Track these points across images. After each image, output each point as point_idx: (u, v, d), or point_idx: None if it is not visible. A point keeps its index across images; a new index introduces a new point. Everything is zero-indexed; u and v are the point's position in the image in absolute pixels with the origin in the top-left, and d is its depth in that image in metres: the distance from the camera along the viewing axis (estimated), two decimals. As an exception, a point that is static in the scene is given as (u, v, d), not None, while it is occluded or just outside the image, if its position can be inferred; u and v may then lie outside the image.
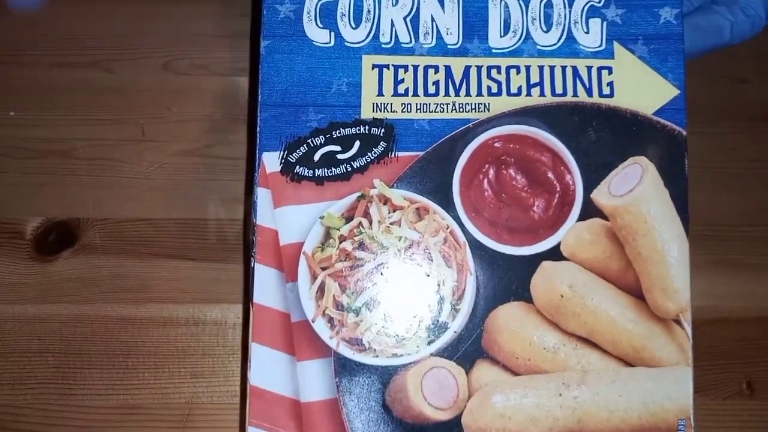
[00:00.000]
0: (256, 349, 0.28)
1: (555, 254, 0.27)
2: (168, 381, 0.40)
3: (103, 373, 0.40)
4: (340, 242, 0.24)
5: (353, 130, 0.28)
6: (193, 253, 0.41)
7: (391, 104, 0.28)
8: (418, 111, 0.28)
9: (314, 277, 0.26)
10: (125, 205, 0.42)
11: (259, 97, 0.31)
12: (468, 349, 0.25)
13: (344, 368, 0.26)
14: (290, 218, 0.29)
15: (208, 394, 0.40)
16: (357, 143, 0.28)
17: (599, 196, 0.27)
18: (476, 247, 0.26)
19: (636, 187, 0.26)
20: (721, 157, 0.44)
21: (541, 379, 0.26)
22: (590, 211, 0.27)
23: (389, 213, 0.25)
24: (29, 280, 0.41)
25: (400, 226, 0.24)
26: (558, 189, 0.26)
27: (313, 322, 0.27)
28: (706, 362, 0.41)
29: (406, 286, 0.25)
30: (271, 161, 0.30)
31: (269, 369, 0.28)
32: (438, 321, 0.24)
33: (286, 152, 0.30)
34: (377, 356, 0.24)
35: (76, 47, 0.45)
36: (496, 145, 0.26)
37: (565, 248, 0.27)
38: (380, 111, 0.28)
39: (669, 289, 0.27)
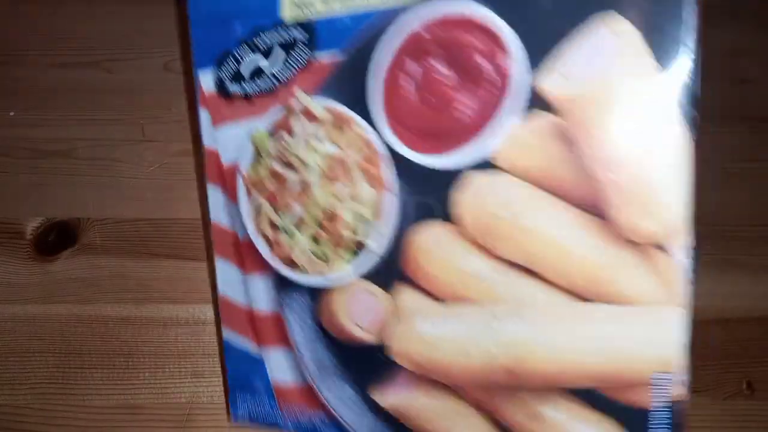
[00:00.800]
0: (218, 262, 0.30)
1: (488, 165, 0.22)
2: (168, 381, 0.40)
3: (104, 373, 0.40)
4: (270, 160, 0.23)
5: (273, 36, 0.25)
6: (193, 253, 0.41)
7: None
8: (340, 3, 0.23)
9: (251, 196, 0.26)
10: (125, 205, 0.42)
11: (188, 12, 0.30)
12: (391, 272, 0.22)
13: (283, 285, 0.26)
14: (227, 138, 0.28)
15: (208, 394, 0.40)
16: (278, 50, 0.25)
17: (548, 82, 0.20)
18: (398, 160, 0.22)
19: (601, 65, 0.20)
20: (721, 157, 0.44)
21: (470, 309, 0.22)
22: (538, 105, 0.21)
23: (311, 127, 0.22)
24: (29, 280, 0.41)
25: (321, 140, 0.21)
26: (493, 79, 0.20)
27: (254, 240, 0.27)
28: (706, 362, 0.41)
29: (328, 206, 0.22)
30: (206, 80, 0.29)
31: (229, 281, 0.30)
32: (360, 242, 0.22)
33: (216, 68, 0.28)
34: (308, 275, 0.23)
35: (76, 47, 0.45)
36: (423, 35, 0.21)
37: (502, 157, 0.21)
38: (300, 9, 0.24)
39: (649, 204, 0.21)
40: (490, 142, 0.21)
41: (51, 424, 0.39)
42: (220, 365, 0.39)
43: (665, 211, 0.21)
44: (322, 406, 0.23)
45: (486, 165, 0.22)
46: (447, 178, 0.22)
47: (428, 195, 0.22)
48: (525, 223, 0.21)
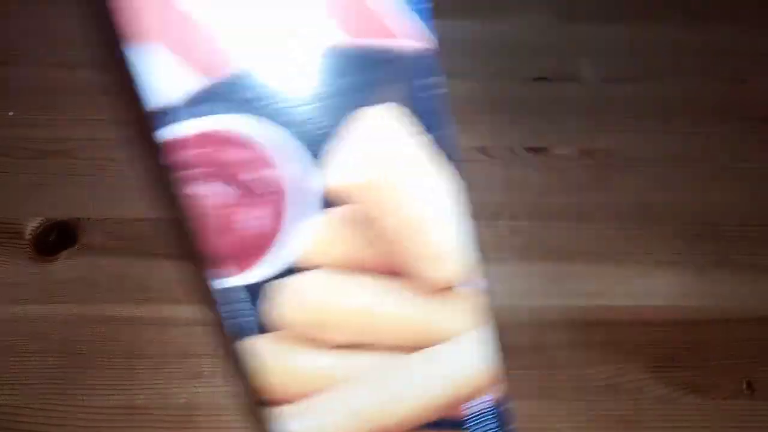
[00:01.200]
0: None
1: (296, 269, 0.22)
2: (168, 381, 0.40)
3: (104, 373, 0.40)
4: None
5: None
6: (193, 253, 0.41)
7: None
8: None
9: None
10: (125, 205, 0.42)
11: None
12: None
13: None
14: None
15: (208, 395, 0.40)
16: None
17: (330, 177, 0.21)
18: (208, 293, 0.24)
19: (375, 145, 0.21)
20: (721, 157, 0.44)
21: (323, 400, 0.25)
22: (329, 200, 0.22)
23: None
24: (29, 280, 0.41)
25: None
26: (269, 190, 0.21)
27: None
28: (706, 362, 0.41)
29: None
30: None
31: None
32: None
33: None
34: None
35: (76, 47, 0.45)
36: (183, 154, 0.20)
37: (307, 257, 0.22)
38: None
39: (434, 257, 0.23)
40: (290, 248, 0.22)
41: (51, 424, 0.39)
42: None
43: (452, 260, 0.24)
44: None
45: (294, 270, 0.23)
46: (255, 292, 0.22)
47: (244, 311, 0.23)
48: (346, 305, 0.23)
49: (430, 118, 0.23)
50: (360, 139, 0.21)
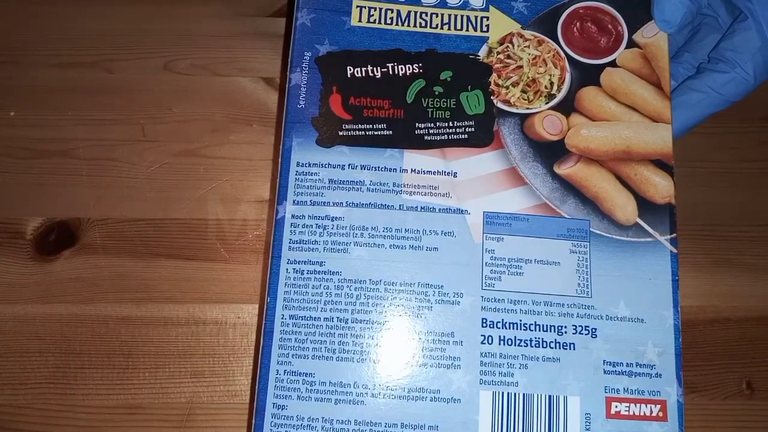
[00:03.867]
0: None
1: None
2: (168, 381, 0.40)
3: (103, 372, 0.40)
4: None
5: None
6: (193, 253, 0.41)
7: None
8: None
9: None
10: (126, 205, 0.42)
11: None
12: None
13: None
14: None
15: (208, 394, 0.40)
16: None
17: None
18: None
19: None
20: (721, 157, 0.44)
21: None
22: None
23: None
24: (29, 280, 0.41)
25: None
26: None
27: None
28: (706, 362, 0.41)
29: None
30: None
31: None
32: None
33: None
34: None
35: (76, 47, 0.45)
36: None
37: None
38: None
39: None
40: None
41: (51, 424, 0.39)
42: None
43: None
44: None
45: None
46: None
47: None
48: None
49: None
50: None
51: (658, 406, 0.33)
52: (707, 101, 0.38)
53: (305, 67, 0.36)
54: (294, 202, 0.34)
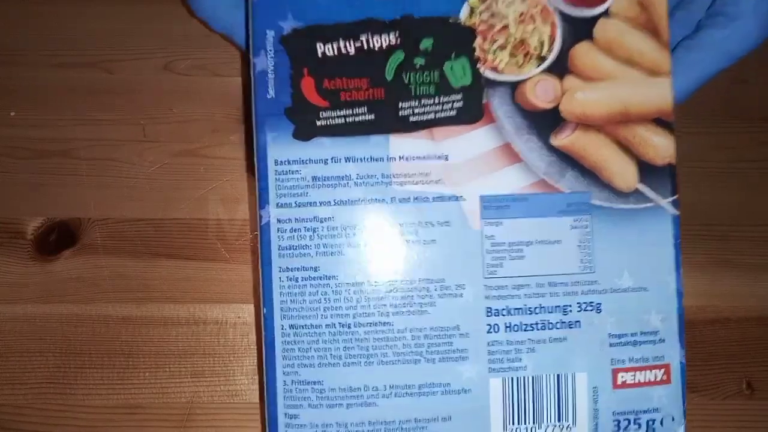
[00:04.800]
0: None
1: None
2: (168, 380, 0.40)
3: (104, 372, 0.40)
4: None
5: None
6: (193, 252, 0.41)
7: None
8: None
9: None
10: (126, 205, 0.42)
11: None
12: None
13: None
14: None
15: (208, 394, 0.40)
16: None
17: None
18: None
19: None
20: (721, 157, 0.44)
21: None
22: None
23: None
24: (29, 280, 0.41)
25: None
26: None
27: None
28: (706, 362, 0.41)
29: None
30: None
31: None
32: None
33: None
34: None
35: (76, 47, 0.45)
36: None
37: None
38: None
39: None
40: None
41: (51, 424, 0.39)
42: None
43: None
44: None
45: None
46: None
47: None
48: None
49: None
50: None
51: (663, 371, 0.33)
52: (708, 60, 0.36)
53: (270, 50, 0.32)
54: (277, 204, 0.32)
